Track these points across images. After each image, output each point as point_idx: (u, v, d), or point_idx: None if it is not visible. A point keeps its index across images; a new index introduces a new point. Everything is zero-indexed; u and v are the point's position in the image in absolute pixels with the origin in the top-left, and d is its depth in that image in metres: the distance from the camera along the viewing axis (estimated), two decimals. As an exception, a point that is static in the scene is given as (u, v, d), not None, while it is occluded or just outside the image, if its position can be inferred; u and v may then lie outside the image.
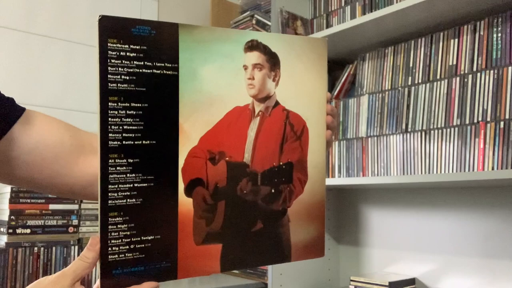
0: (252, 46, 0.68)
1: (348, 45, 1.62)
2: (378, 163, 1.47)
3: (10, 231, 1.51)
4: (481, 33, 1.28)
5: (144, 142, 0.59)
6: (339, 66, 1.74)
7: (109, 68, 0.56)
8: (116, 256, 0.58)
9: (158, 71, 0.60)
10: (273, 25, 1.70)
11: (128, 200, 0.58)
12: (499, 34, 1.25)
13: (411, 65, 1.44)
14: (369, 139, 1.50)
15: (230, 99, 0.66)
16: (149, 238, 0.60)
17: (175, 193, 0.62)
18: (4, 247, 1.49)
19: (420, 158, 1.35)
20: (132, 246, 0.59)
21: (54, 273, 1.68)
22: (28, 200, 1.56)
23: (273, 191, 0.70)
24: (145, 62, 0.59)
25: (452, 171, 1.27)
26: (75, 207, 1.64)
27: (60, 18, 1.89)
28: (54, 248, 1.57)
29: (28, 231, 1.54)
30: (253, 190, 0.69)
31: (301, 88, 0.73)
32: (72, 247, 1.60)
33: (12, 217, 1.52)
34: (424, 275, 1.53)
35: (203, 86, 0.64)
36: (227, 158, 0.66)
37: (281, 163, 0.71)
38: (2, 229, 1.55)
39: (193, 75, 0.63)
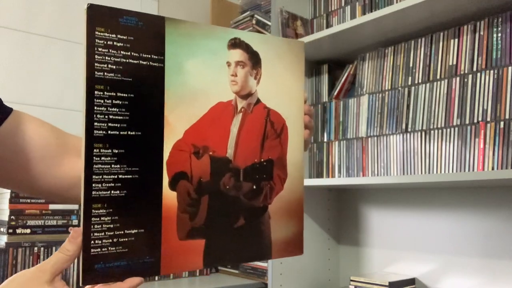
0: (235, 43, 0.69)
1: (348, 45, 1.62)
2: (378, 163, 1.47)
3: (10, 231, 1.51)
4: (481, 33, 1.28)
5: (129, 133, 0.59)
6: (339, 66, 1.74)
7: (96, 56, 0.56)
8: (99, 249, 0.56)
9: (145, 63, 0.60)
10: (273, 25, 1.70)
11: (112, 191, 0.57)
12: (499, 34, 1.25)
13: (411, 65, 1.44)
14: (369, 139, 1.50)
15: (214, 94, 0.67)
16: (133, 232, 0.59)
17: (159, 186, 0.61)
18: (4, 247, 1.49)
19: (420, 158, 1.35)
20: (115, 240, 0.58)
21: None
22: (28, 200, 1.56)
23: (254, 187, 0.71)
24: (132, 53, 0.59)
25: (452, 171, 1.27)
26: (75, 207, 1.64)
27: (60, 18, 1.89)
28: (54, 248, 1.57)
29: (28, 231, 1.54)
30: (236, 185, 0.69)
31: (281, 87, 0.74)
32: (72, 247, 1.60)
33: (12, 217, 1.52)
34: (424, 275, 1.53)
35: (188, 80, 0.64)
36: (210, 153, 0.67)
37: (262, 160, 0.72)
38: (2, 229, 1.55)
39: (179, 69, 0.63)
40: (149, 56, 0.60)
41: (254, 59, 0.71)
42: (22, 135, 0.68)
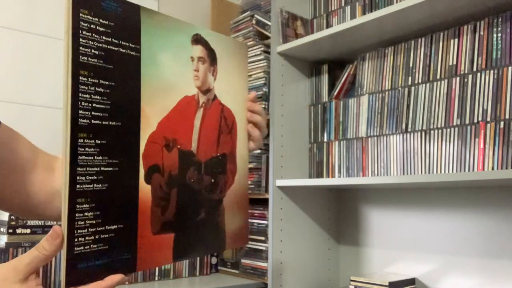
0: (197, 39, 0.70)
1: (348, 45, 1.62)
2: (378, 163, 1.47)
3: (10, 231, 1.51)
4: (481, 33, 1.28)
5: (110, 123, 0.57)
6: (339, 66, 1.74)
7: (81, 40, 0.54)
8: (82, 248, 0.53)
9: (124, 50, 0.59)
10: (273, 25, 1.70)
11: (95, 185, 0.54)
12: (499, 34, 1.25)
13: (411, 65, 1.44)
14: (369, 139, 1.50)
15: (181, 88, 0.68)
16: (113, 227, 0.57)
17: (136, 179, 0.60)
18: (4, 247, 1.49)
19: (420, 158, 1.35)
20: (97, 237, 0.54)
21: (54, 273, 1.65)
22: (28, 200, 1.55)
23: (212, 181, 0.72)
24: (113, 39, 0.57)
25: (452, 171, 1.27)
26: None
27: (60, 18, 1.89)
28: (54, 248, 1.57)
29: (28, 231, 1.54)
30: (198, 179, 0.70)
31: (230, 85, 0.77)
32: (72, 247, 1.59)
33: (12, 217, 1.52)
34: (424, 275, 1.53)
35: (161, 71, 0.64)
36: (178, 146, 0.67)
37: (218, 154, 0.73)
38: (2, 229, 1.55)
39: (153, 60, 0.63)
40: (128, 44, 0.59)
41: (212, 56, 0.73)
42: (8, 149, 0.68)
